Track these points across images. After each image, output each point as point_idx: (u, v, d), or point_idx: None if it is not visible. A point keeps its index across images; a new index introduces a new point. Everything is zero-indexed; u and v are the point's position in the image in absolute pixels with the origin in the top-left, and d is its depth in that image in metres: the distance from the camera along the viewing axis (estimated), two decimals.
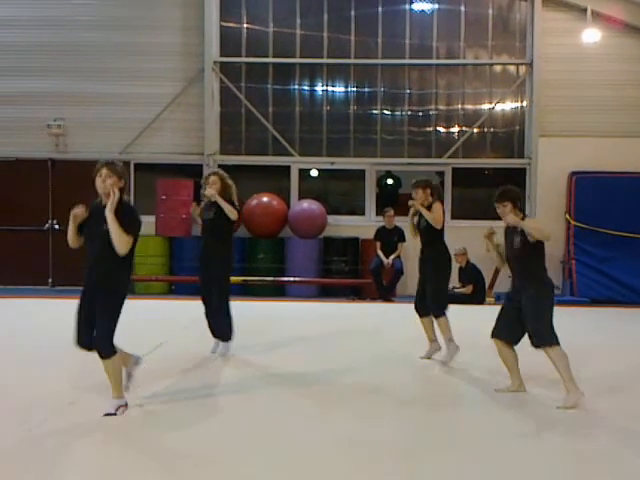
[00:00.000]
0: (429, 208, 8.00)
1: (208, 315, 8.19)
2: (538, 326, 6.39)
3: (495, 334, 6.71)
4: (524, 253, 6.55)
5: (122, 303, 5.78)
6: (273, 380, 7.16)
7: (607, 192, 14.48)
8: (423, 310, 8.13)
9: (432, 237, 8.04)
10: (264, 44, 15.52)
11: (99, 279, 5.71)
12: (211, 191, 7.85)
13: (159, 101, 15.27)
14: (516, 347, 6.67)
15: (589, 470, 4.86)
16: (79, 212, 5.77)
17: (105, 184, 5.72)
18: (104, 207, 5.67)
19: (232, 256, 8.29)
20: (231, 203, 8.00)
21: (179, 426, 5.60)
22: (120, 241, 5.59)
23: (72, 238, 5.86)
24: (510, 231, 6.64)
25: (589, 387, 6.45)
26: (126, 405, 5.85)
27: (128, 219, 5.68)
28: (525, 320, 6.47)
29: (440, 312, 7.94)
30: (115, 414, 5.75)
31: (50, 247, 15.09)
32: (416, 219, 8.20)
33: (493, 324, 6.73)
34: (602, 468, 4.87)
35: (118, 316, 5.73)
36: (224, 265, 8.16)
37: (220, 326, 8.15)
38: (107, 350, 5.67)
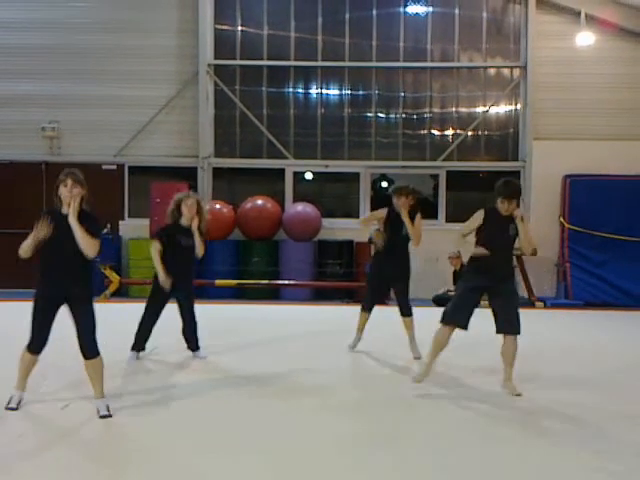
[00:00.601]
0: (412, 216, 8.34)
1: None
2: (516, 315, 6.68)
3: (456, 320, 6.74)
4: (512, 245, 6.76)
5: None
6: (268, 383, 7.15)
7: (601, 195, 14.52)
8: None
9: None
10: (258, 47, 15.52)
11: (77, 284, 5.83)
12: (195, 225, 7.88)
13: (153, 104, 15.26)
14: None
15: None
16: (46, 233, 5.84)
17: (72, 193, 5.94)
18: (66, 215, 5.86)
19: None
20: (202, 233, 8.00)
21: (173, 428, 5.59)
22: (88, 245, 5.77)
23: (29, 251, 5.93)
24: (506, 218, 6.67)
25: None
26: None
27: (92, 224, 5.90)
28: (502, 308, 6.68)
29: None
30: (111, 415, 5.82)
31: None
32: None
33: (456, 311, 6.77)
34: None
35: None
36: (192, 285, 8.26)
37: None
38: (96, 350, 5.87)
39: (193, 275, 8.21)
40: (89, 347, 5.86)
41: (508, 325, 6.68)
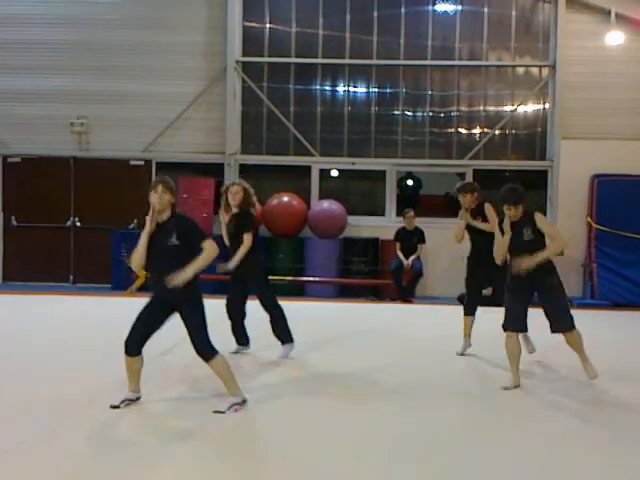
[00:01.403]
0: (478, 210, 8.23)
1: (240, 319, 8.26)
2: (563, 310, 6.82)
3: (517, 327, 6.84)
4: (537, 244, 6.79)
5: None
6: (294, 380, 7.19)
7: (629, 195, 14.39)
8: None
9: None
10: (286, 44, 15.54)
11: (181, 290, 5.77)
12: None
13: (181, 100, 15.32)
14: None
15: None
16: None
17: (162, 200, 5.88)
18: (162, 224, 5.91)
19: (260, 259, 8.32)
20: (249, 216, 8.09)
21: (195, 424, 5.62)
22: (209, 260, 5.84)
23: (143, 257, 5.93)
24: (518, 223, 6.80)
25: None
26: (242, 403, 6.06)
27: (192, 235, 5.93)
28: (547, 306, 6.81)
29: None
30: (224, 412, 5.91)
31: (72, 244, 15.22)
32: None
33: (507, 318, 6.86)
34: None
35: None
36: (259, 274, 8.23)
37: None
38: (210, 351, 5.94)
39: (255, 263, 8.09)
40: (202, 349, 5.89)
41: (557, 323, 6.84)
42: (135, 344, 5.92)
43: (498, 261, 7.13)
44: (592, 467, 4.92)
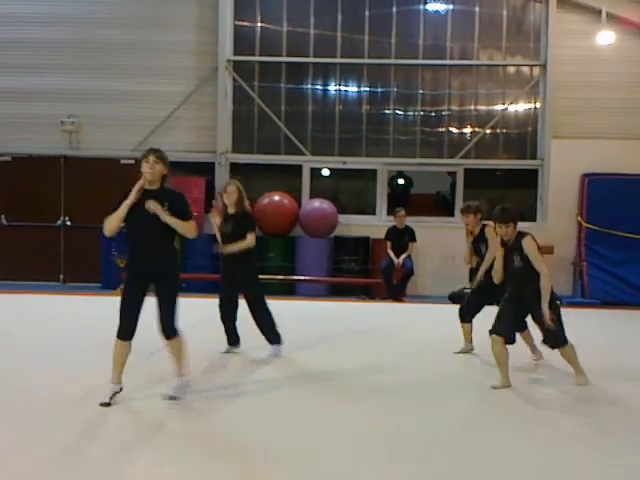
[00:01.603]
0: (481, 234, 8.17)
1: (232, 319, 8.22)
2: (558, 331, 6.88)
3: (503, 332, 6.86)
4: (526, 270, 6.82)
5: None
6: (284, 379, 7.18)
7: (619, 194, 14.44)
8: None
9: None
10: (278, 43, 15.53)
11: (162, 264, 5.99)
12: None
13: (172, 99, 15.30)
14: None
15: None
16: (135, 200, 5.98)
17: (154, 170, 5.96)
18: (152, 192, 5.99)
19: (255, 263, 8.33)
20: (251, 216, 8.18)
21: (191, 421, 5.62)
22: (186, 231, 6.01)
23: (117, 225, 5.97)
24: (509, 248, 6.90)
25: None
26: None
27: (179, 206, 6.04)
28: (540, 324, 6.87)
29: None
30: (176, 398, 6.11)
31: (62, 243, 15.19)
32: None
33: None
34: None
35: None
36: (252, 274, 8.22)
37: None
38: (174, 330, 6.06)
39: (249, 263, 8.13)
40: (169, 325, 5.98)
41: (548, 339, 6.95)
42: (127, 327, 5.92)
43: (496, 281, 7.19)
44: (592, 467, 4.92)
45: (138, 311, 5.94)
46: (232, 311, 8.18)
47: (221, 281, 8.28)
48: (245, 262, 8.02)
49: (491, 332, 6.90)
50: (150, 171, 5.92)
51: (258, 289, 8.19)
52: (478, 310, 8.33)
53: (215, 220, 8.26)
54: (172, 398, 6.07)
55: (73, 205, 15.25)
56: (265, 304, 8.15)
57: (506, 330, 6.87)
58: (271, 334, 8.16)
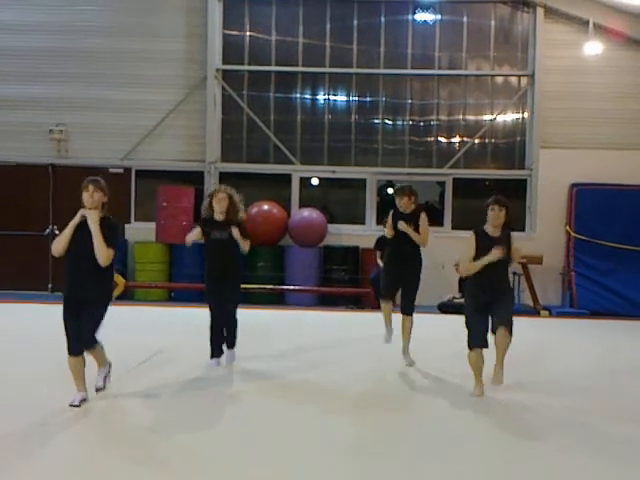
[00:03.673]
0: (414, 215, 8.21)
1: (219, 325, 8.17)
2: (509, 317, 6.93)
3: (480, 344, 6.91)
4: (506, 263, 7.01)
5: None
6: (272, 388, 7.17)
7: (608, 204, 14.50)
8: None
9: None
10: (267, 52, 15.55)
11: (93, 288, 6.16)
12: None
13: (161, 108, 15.29)
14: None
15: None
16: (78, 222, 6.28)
17: (93, 199, 6.25)
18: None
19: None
20: (240, 224, 8.00)
21: (177, 431, 5.59)
22: (100, 252, 6.09)
23: (64, 246, 6.24)
24: (497, 239, 6.95)
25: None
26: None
27: (110, 232, 6.20)
28: (498, 313, 6.92)
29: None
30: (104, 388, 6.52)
31: (50, 252, 15.06)
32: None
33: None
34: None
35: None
36: (239, 279, 8.24)
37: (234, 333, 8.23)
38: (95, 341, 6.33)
39: (238, 271, 8.19)
40: (89, 340, 6.21)
41: (500, 321, 6.92)
42: (75, 343, 6.15)
43: (462, 274, 7.29)
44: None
45: (78, 329, 6.15)
46: (222, 320, 8.10)
47: (211, 287, 8.13)
48: (237, 269, 8.12)
49: (470, 347, 6.92)
50: (90, 199, 6.24)
51: (239, 296, 8.27)
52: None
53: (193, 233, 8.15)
54: (100, 389, 6.57)
55: (61, 214, 15.11)
56: (237, 310, 8.21)
57: (481, 341, 6.91)
58: (234, 339, 8.20)
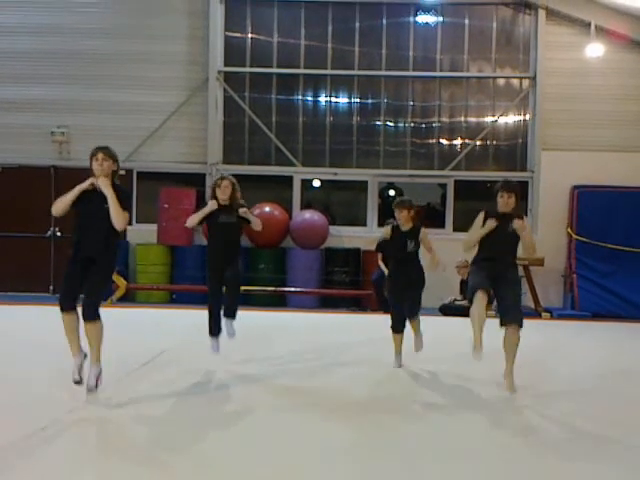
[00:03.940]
0: (414, 232, 8.31)
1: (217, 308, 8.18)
2: (517, 305, 6.87)
3: (482, 285, 6.85)
4: (515, 240, 6.98)
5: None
6: (273, 389, 7.15)
7: (609, 206, 14.50)
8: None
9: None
10: (268, 54, 15.57)
11: (102, 252, 6.18)
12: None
13: (163, 110, 15.32)
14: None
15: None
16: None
17: (102, 167, 6.14)
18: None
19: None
20: (244, 206, 8.09)
21: (177, 432, 5.59)
22: (118, 216, 6.08)
23: (65, 208, 6.29)
24: (504, 218, 6.95)
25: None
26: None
27: (123, 198, 6.19)
28: (504, 297, 6.86)
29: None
30: (96, 386, 6.15)
31: (52, 254, 15.13)
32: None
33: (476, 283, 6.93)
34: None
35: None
36: (240, 266, 8.26)
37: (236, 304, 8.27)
38: (94, 315, 6.14)
39: (240, 254, 8.24)
40: (92, 306, 6.08)
41: (509, 315, 6.79)
42: (67, 299, 6.13)
43: (463, 249, 7.45)
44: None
45: (76, 287, 6.18)
46: (220, 302, 8.15)
47: (210, 273, 8.14)
48: (238, 256, 8.15)
49: (473, 292, 6.86)
50: (100, 168, 6.13)
51: (241, 268, 8.28)
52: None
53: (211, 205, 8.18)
54: (92, 390, 6.16)
55: (63, 216, 15.14)
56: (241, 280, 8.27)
57: (485, 284, 6.85)
58: (235, 310, 8.22)
